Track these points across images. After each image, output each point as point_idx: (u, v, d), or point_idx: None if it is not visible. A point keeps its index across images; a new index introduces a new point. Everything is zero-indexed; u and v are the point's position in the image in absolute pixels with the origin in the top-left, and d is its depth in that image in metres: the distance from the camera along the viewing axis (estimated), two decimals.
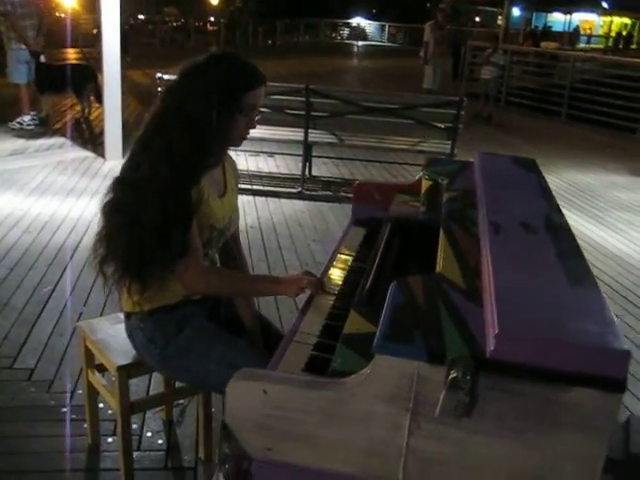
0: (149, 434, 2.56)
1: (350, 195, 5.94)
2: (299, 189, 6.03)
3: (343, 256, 2.30)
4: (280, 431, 1.25)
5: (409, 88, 12.30)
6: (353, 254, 2.32)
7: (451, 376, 1.11)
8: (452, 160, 2.63)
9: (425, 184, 2.41)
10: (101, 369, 2.38)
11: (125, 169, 1.94)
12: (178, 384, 2.54)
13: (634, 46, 37.15)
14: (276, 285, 1.98)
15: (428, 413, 1.17)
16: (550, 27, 36.53)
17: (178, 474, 2.39)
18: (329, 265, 2.22)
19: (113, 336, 2.24)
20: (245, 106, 1.88)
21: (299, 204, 5.69)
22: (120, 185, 1.91)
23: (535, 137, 9.66)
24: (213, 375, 1.91)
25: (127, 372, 2.11)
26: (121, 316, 2.36)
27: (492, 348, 1.11)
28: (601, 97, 10.69)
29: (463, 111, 5.72)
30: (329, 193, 6.16)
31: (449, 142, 5.92)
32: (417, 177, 2.63)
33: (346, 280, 2.08)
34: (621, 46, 32.99)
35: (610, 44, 35.61)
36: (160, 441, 2.55)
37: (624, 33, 37.23)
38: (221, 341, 1.96)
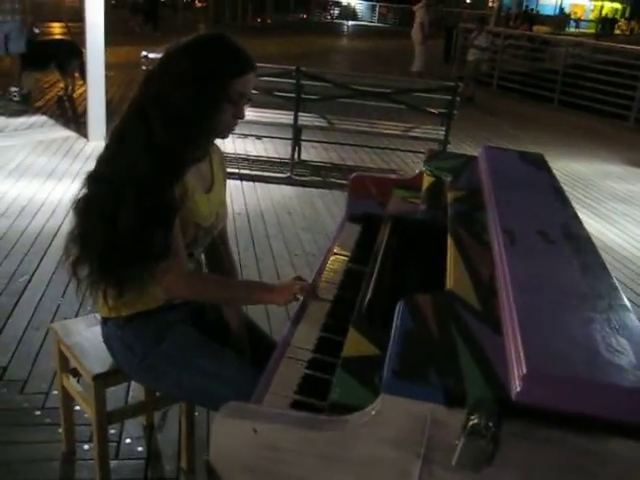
0: (128, 440, 2.41)
1: (340, 181, 5.88)
2: (288, 174, 5.85)
3: (337, 257, 2.14)
4: (272, 473, 1.10)
5: (400, 70, 12.18)
6: (348, 254, 2.16)
7: (471, 422, 0.97)
8: (455, 154, 2.47)
9: (427, 180, 2.25)
10: (76, 373, 2.22)
11: (101, 163, 1.77)
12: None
13: (618, 31, 36.99)
14: (266, 293, 1.80)
15: (442, 460, 1.03)
16: (532, 9, 36.24)
17: None
18: (322, 267, 2.06)
19: (89, 340, 2.07)
20: (233, 94, 1.69)
21: (288, 190, 5.52)
22: (95, 181, 1.74)
23: (528, 123, 9.53)
24: (197, 388, 1.76)
25: (104, 381, 1.95)
26: (99, 317, 2.21)
27: (518, 390, 0.96)
28: (594, 83, 10.54)
29: (458, 97, 5.55)
30: (318, 179, 5.98)
31: (443, 128, 5.77)
32: (417, 171, 2.47)
33: (342, 285, 1.93)
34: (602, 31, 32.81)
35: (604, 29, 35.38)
36: (140, 448, 2.39)
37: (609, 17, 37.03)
38: (206, 352, 1.80)
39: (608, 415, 0.96)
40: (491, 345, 1.11)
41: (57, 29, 15.66)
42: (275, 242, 4.40)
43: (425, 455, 1.03)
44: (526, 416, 0.98)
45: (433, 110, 5.72)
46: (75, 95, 8.20)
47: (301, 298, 1.78)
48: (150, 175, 1.64)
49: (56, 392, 2.61)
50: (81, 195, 1.76)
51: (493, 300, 1.28)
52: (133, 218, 1.63)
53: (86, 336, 2.10)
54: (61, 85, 8.44)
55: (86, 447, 2.37)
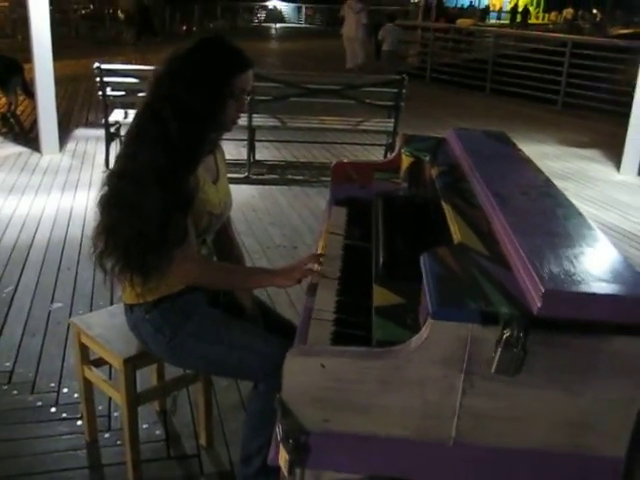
0: (145, 426, 2.55)
1: (297, 177, 6.09)
2: (246, 174, 6.01)
3: (333, 235, 2.35)
4: (337, 402, 1.30)
5: (332, 68, 12.49)
6: (342, 233, 2.37)
7: (505, 335, 1.19)
8: (426, 137, 2.71)
9: (406, 160, 2.49)
10: (97, 364, 2.36)
11: (120, 161, 1.92)
12: (169, 375, 2.56)
13: (533, 20, 38.29)
14: (273, 276, 2.00)
15: (481, 372, 1.25)
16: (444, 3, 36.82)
17: (183, 462, 2.40)
18: (321, 245, 2.26)
19: (110, 330, 2.22)
20: (235, 90, 1.88)
21: (248, 189, 5.69)
22: (116, 177, 1.89)
23: (464, 112, 9.93)
24: (228, 361, 1.93)
25: (133, 364, 2.10)
26: (113, 310, 2.36)
27: (539, 305, 1.19)
28: (522, 71, 11.06)
29: (405, 89, 5.83)
30: (276, 176, 6.18)
31: (391, 120, 6.04)
32: (393, 154, 2.71)
33: (344, 258, 2.13)
34: (518, 20, 33.87)
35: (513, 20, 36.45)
36: (158, 432, 2.55)
37: (520, 9, 38.15)
38: (233, 326, 1.98)
39: (610, 319, 1.20)
40: (506, 278, 1.34)
41: None
42: (246, 238, 4.57)
43: (467, 369, 1.25)
44: (546, 327, 1.21)
45: (382, 103, 5.98)
46: (18, 111, 8.16)
47: (310, 272, 1.98)
48: (168, 168, 1.81)
49: (66, 390, 2.76)
50: (103, 192, 1.91)
51: (496, 247, 1.52)
52: (156, 207, 1.79)
53: (106, 327, 2.24)
54: (2, 102, 8.36)
55: (106, 435, 2.51)
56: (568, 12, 38.63)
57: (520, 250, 1.37)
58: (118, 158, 1.95)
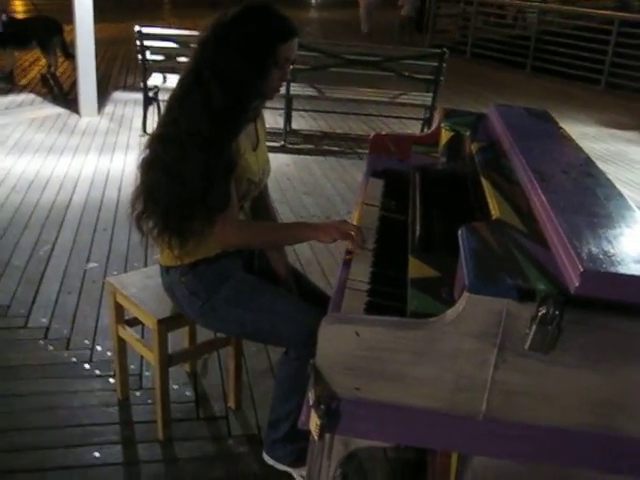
0: (176, 387, 2.61)
1: (333, 148, 6.07)
2: (282, 142, 6.02)
3: (369, 207, 2.35)
4: (369, 371, 1.32)
5: (373, 40, 12.38)
6: (378, 204, 2.37)
7: (541, 312, 1.19)
8: (467, 112, 2.68)
9: (445, 135, 2.46)
10: (131, 324, 2.41)
11: (162, 125, 1.93)
12: (201, 339, 2.61)
13: None
14: (313, 230, 1.99)
15: (514, 347, 1.25)
16: None
17: (211, 423, 2.45)
18: (357, 216, 2.26)
19: (145, 290, 2.26)
20: (280, 59, 1.88)
21: (284, 157, 5.69)
22: (159, 141, 1.91)
23: (504, 89, 9.77)
24: (261, 326, 1.96)
25: (166, 325, 2.15)
26: (149, 271, 2.40)
27: (577, 285, 1.19)
28: (565, 49, 10.81)
29: (445, 63, 5.75)
30: (311, 146, 6.17)
31: (430, 94, 5.97)
32: (432, 128, 2.68)
33: (379, 230, 2.14)
34: None
35: None
36: (188, 393, 2.60)
37: None
38: (267, 291, 2.00)
39: None
40: (544, 256, 1.34)
41: (19, 7, 15.32)
42: (280, 206, 4.58)
43: (500, 344, 1.25)
44: (583, 306, 1.20)
45: (421, 76, 5.91)
46: (58, 73, 8.24)
47: (346, 241, 1.98)
48: (211, 134, 1.82)
49: (100, 347, 2.83)
50: (145, 155, 1.93)
51: (535, 224, 1.51)
52: (199, 173, 1.81)
53: (142, 287, 2.28)
54: (42, 63, 8.45)
55: (138, 394, 2.57)
56: None
57: (559, 228, 1.36)
58: (160, 122, 1.96)
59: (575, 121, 7.97)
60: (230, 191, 1.88)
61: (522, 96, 9.24)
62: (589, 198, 1.61)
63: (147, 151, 1.93)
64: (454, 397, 1.31)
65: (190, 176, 1.82)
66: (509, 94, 9.26)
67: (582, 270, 1.19)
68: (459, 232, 1.44)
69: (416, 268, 1.61)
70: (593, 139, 7.18)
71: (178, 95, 1.91)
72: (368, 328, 1.29)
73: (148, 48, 5.71)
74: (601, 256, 1.24)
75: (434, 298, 1.46)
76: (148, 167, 1.92)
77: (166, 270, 2.09)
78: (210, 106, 1.82)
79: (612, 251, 1.27)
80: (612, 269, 1.21)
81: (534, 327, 1.20)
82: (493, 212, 1.60)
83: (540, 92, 9.79)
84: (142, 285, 2.30)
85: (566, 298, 1.20)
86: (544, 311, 1.19)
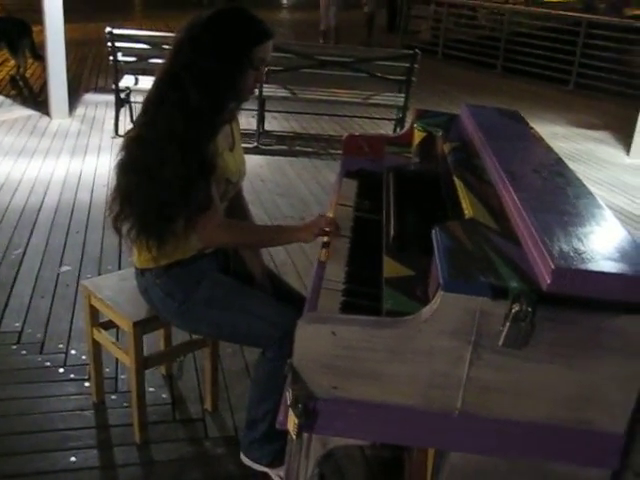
0: (152, 389, 2.60)
1: (305, 149, 6.08)
2: (255, 144, 6.01)
3: (343, 207, 2.36)
4: (346, 370, 1.33)
5: (344, 40, 12.44)
6: (352, 205, 2.38)
7: (514, 309, 1.21)
8: (439, 112, 2.71)
9: (418, 135, 2.49)
10: (106, 327, 2.40)
11: (139, 127, 1.93)
12: (178, 339, 2.60)
13: None
14: (294, 232, 2.05)
15: (488, 344, 1.28)
16: None
17: (188, 425, 2.45)
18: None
19: (120, 293, 2.25)
20: (255, 60, 1.89)
21: (257, 159, 5.69)
22: (135, 143, 1.91)
23: (475, 89, 9.85)
24: (238, 327, 1.96)
25: (141, 327, 2.14)
26: (124, 274, 2.39)
27: (549, 282, 1.21)
28: (535, 50, 10.94)
29: (417, 64, 5.80)
30: (285, 147, 6.17)
31: (402, 95, 6.01)
32: (405, 129, 2.71)
33: (354, 230, 2.15)
34: None
35: None
36: (164, 395, 2.59)
37: None
38: (243, 293, 2.01)
39: (616, 297, 1.22)
40: (516, 254, 1.36)
41: None
42: (254, 208, 4.47)
43: (475, 341, 1.27)
44: (555, 303, 1.23)
45: (393, 77, 5.94)
46: (27, 74, 8.13)
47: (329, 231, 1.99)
48: (189, 134, 1.82)
49: (74, 351, 2.80)
50: (121, 157, 1.92)
51: (507, 223, 1.54)
52: (178, 173, 1.81)
53: (117, 290, 2.27)
54: (11, 64, 8.33)
55: (113, 397, 2.56)
56: None
57: (531, 227, 1.39)
58: (137, 124, 1.96)
59: (545, 121, 8.08)
60: (212, 191, 1.89)
61: (493, 96, 9.34)
62: (560, 197, 1.64)
63: (123, 153, 1.93)
64: (430, 394, 1.33)
65: (169, 178, 1.83)
66: (480, 94, 9.35)
67: (553, 267, 1.21)
68: (433, 232, 1.46)
69: (391, 268, 1.63)
70: (563, 138, 7.29)
71: (154, 96, 1.91)
72: (344, 327, 1.30)
73: (120, 49, 5.66)
74: (572, 253, 1.27)
75: (409, 297, 1.48)
76: (125, 169, 1.92)
77: (141, 272, 2.08)
78: (187, 107, 1.83)
79: (583, 248, 1.30)
80: (583, 266, 1.23)
81: (508, 324, 1.23)
82: (466, 211, 1.63)
83: (510, 92, 9.91)
84: (117, 288, 2.29)
85: (538, 295, 1.23)
86: (517, 308, 1.22)
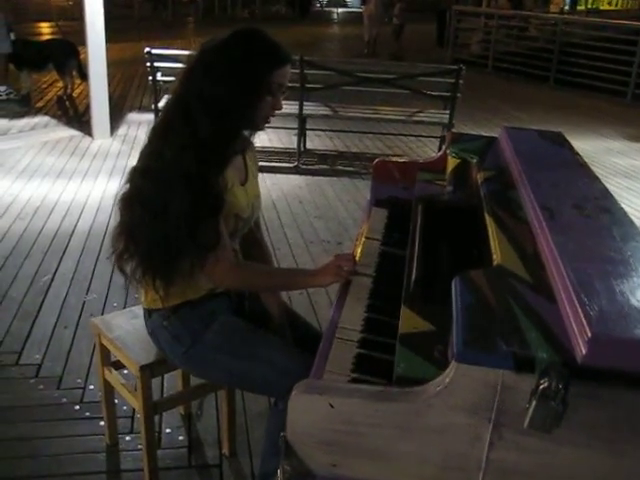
0: (168, 430, 2.46)
1: (347, 169, 5.92)
2: (295, 163, 5.88)
3: (370, 241, 2.19)
4: (347, 446, 1.16)
5: (379, 48, 12.37)
6: (379, 238, 2.21)
7: (542, 385, 1.02)
8: (476, 136, 2.52)
9: (452, 162, 2.30)
10: (117, 366, 2.27)
11: (144, 157, 1.81)
12: (195, 380, 2.45)
13: (604, 6, 35.73)
14: (310, 277, 1.88)
15: (512, 424, 1.08)
16: None
17: (203, 472, 2.30)
18: (358, 252, 2.11)
19: (131, 333, 2.12)
20: (273, 86, 1.74)
21: (297, 179, 5.56)
22: (140, 175, 1.78)
23: (526, 103, 9.55)
24: (247, 374, 1.81)
25: (150, 371, 2.00)
26: (136, 311, 2.26)
27: (584, 353, 1.02)
28: (589, 60, 10.55)
29: (462, 80, 5.58)
30: (326, 167, 6.02)
31: (447, 112, 5.80)
32: (439, 153, 2.52)
33: (378, 267, 1.97)
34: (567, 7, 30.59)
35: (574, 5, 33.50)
36: (181, 437, 2.45)
37: None
38: (253, 338, 1.85)
39: None
40: (548, 313, 1.17)
41: (46, 29, 15.52)
42: (290, 231, 4.44)
43: (495, 420, 1.08)
44: (592, 378, 1.03)
45: (437, 93, 5.74)
46: (74, 94, 8.23)
47: (346, 273, 1.83)
48: (197, 167, 1.68)
49: (92, 387, 2.69)
50: (126, 190, 1.80)
51: (541, 272, 1.34)
52: (185, 209, 1.67)
53: (127, 329, 2.15)
54: (59, 85, 8.45)
55: (128, 438, 2.43)
56: None
57: (566, 280, 1.19)
58: (142, 155, 1.83)
59: (600, 135, 7.74)
60: (220, 228, 1.74)
61: (544, 109, 9.03)
62: (604, 240, 1.43)
63: (127, 186, 1.80)
64: (443, 476, 1.14)
65: (175, 213, 1.68)
66: (531, 109, 9.04)
67: (590, 335, 1.01)
68: (452, 283, 1.28)
69: (408, 320, 1.44)
70: (618, 154, 6.92)
71: (162, 125, 1.79)
72: (343, 399, 1.13)
73: (158, 69, 5.63)
74: (614, 316, 1.07)
75: (424, 358, 1.28)
76: (129, 203, 1.79)
77: (149, 313, 1.95)
78: (196, 137, 1.69)
79: (627, 309, 1.10)
80: (627, 334, 1.03)
81: (534, 402, 1.03)
82: (495, 256, 1.43)
83: (564, 105, 9.56)
84: (128, 327, 2.16)
85: (572, 369, 1.03)
86: (546, 384, 1.02)
